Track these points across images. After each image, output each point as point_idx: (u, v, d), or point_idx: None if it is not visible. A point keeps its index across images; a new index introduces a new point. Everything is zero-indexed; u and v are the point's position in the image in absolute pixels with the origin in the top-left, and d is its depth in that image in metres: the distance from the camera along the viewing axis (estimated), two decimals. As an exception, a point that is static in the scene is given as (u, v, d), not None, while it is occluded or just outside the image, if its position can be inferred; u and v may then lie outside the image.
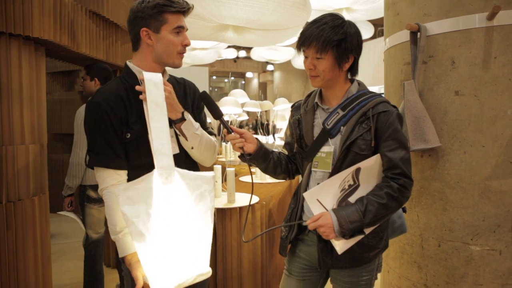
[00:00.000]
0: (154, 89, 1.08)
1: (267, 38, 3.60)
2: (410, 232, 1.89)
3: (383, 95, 1.40)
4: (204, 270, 1.10)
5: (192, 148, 1.36)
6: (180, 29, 1.32)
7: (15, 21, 1.77)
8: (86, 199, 2.50)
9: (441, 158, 1.75)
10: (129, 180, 1.28)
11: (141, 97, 1.15)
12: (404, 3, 1.91)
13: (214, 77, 23.36)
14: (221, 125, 1.41)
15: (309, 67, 1.31)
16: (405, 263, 1.93)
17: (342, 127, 1.33)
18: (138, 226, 1.02)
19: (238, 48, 13.35)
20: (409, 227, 1.90)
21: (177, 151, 1.35)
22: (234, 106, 3.24)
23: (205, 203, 1.12)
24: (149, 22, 1.28)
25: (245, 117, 5.19)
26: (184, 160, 1.36)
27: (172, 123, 1.31)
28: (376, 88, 6.01)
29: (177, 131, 1.33)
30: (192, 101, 1.47)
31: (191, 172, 1.13)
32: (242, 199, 2.18)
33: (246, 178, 3.11)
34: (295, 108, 1.52)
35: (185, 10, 1.33)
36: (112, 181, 1.25)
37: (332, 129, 1.34)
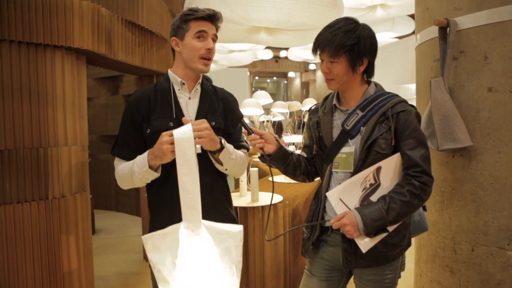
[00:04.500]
0: (184, 144, 1.10)
1: (300, 38, 3.60)
2: (441, 235, 1.82)
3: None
4: None
5: (226, 169, 1.42)
6: (202, 33, 1.36)
7: (58, 34, 1.94)
8: None
9: (473, 158, 1.67)
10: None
11: (166, 147, 1.18)
12: (433, -3, 1.84)
13: (257, 78, 23.52)
14: (242, 126, 1.45)
15: (324, 71, 1.35)
16: (437, 267, 1.86)
17: (362, 128, 1.34)
18: (164, 274, 1.08)
19: (279, 48, 13.37)
20: (440, 229, 1.83)
21: (199, 151, 1.41)
22: (255, 107, 3.26)
23: (230, 258, 1.13)
24: (177, 31, 1.40)
25: (279, 118, 5.18)
26: (207, 160, 1.40)
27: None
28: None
29: (214, 160, 1.38)
30: (226, 113, 1.48)
31: (218, 226, 1.15)
32: (266, 199, 2.19)
33: (276, 178, 3.12)
34: (312, 111, 1.54)
35: (205, 16, 1.38)
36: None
37: (352, 130, 1.35)
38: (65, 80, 2.02)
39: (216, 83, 1.59)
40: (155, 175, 1.30)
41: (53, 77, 1.97)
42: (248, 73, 16.37)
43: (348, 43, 1.27)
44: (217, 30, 1.44)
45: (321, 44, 1.31)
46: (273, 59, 17.73)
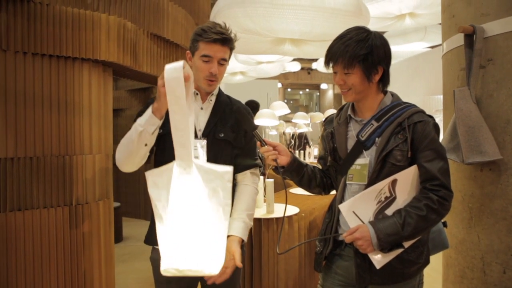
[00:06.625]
0: (173, 82, 1.05)
1: (326, 48, 3.56)
2: (469, 254, 1.70)
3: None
4: (212, 270, 1.08)
5: None
6: (207, 58, 1.37)
7: (86, 47, 2.04)
8: None
9: (503, 173, 1.56)
10: None
11: (162, 89, 1.13)
12: (459, 4, 1.76)
13: (289, 90, 23.51)
14: (255, 138, 1.44)
15: (339, 83, 1.32)
16: (466, 289, 1.74)
17: (377, 139, 1.30)
18: (159, 209, 1.10)
19: (310, 60, 13.33)
20: (468, 248, 1.71)
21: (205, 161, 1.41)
22: (271, 118, 3.23)
23: (217, 200, 1.10)
24: (191, 46, 1.43)
25: (304, 129, 5.09)
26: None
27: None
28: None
29: None
30: (239, 125, 1.47)
31: (207, 165, 1.13)
32: (283, 210, 2.11)
33: (295, 190, 3.08)
34: (327, 122, 1.51)
35: (216, 40, 1.35)
36: None
37: (367, 141, 1.32)
38: (91, 91, 2.11)
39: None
40: (156, 120, 1.24)
41: (81, 88, 2.06)
42: (280, 85, 16.36)
43: (362, 53, 1.24)
44: (231, 50, 1.43)
45: (333, 56, 1.28)
46: (306, 71, 17.67)
